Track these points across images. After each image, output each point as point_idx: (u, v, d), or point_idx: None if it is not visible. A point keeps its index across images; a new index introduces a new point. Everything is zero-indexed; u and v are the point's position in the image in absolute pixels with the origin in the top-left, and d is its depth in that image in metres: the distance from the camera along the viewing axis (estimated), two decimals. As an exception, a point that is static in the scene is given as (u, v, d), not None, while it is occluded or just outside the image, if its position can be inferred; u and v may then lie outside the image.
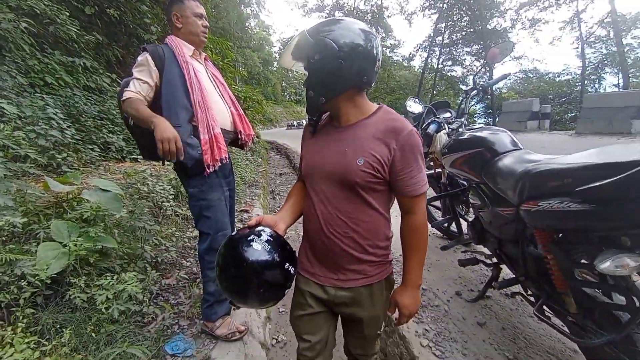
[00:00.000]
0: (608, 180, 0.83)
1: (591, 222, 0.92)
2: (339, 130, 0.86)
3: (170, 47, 1.48)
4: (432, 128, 1.91)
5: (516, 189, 1.17)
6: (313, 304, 0.92)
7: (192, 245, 2.10)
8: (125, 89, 1.41)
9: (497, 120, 10.13)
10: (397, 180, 0.81)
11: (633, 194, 0.80)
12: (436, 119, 1.95)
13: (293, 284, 0.88)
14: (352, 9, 26.02)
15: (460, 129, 1.87)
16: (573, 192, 0.92)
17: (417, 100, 2.34)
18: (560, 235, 1.10)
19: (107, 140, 3.75)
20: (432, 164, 2.19)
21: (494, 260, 1.61)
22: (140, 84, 1.40)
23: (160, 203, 2.33)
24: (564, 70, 23.05)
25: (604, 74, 21.68)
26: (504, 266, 1.57)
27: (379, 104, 0.89)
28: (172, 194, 2.49)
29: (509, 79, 25.60)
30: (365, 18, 26.07)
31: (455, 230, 2.07)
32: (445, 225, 2.22)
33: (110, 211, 1.64)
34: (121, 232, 1.76)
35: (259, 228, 0.81)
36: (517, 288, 1.47)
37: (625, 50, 17.64)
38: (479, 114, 26.66)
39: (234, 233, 0.84)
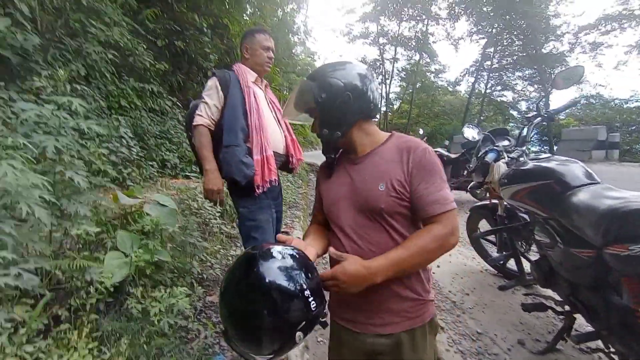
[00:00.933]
0: None
1: None
2: (357, 162, 0.86)
3: (235, 73, 1.61)
4: (490, 157, 1.79)
5: (599, 229, 1.04)
6: (348, 355, 0.85)
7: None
8: (197, 113, 1.55)
9: (555, 149, 9.34)
10: (415, 199, 0.77)
11: None
12: (495, 147, 1.84)
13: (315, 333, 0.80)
14: (397, 36, 26.41)
15: (522, 159, 1.74)
16: None
17: (474, 126, 2.24)
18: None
19: (165, 157, 4.07)
20: (487, 194, 2.05)
21: (567, 307, 1.41)
22: (209, 108, 1.54)
23: (207, 220, 2.43)
24: (632, 96, 20.94)
25: (683, 100, 19.30)
26: (578, 315, 1.37)
27: (391, 131, 0.88)
28: (219, 212, 2.59)
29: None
30: (409, 44, 26.28)
31: (515, 268, 1.87)
32: (502, 262, 2.02)
33: (166, 225, 1.74)
34: (173, 246, 1.84)
35: (283, 246, 0.71)
36: (597, 343, 1.26)
37: None
38: (532, 141, 24.88)
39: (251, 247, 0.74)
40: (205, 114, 1.55)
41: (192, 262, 1.85)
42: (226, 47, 7.97)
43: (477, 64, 23.54)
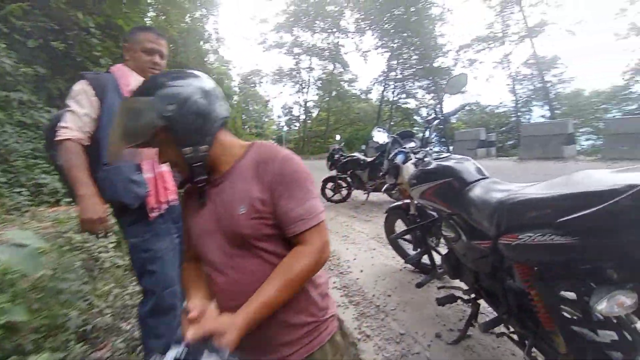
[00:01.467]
0: (592, 210, 0.78)
1: (576, 255, 0.87)
2: (217, 183, 0.75)
3: (114, 76, 1.33)
4: (399, 159, 1.87)
5: (492, 221, 1.12)
6: None
7: (134, 303, 1.78)
8: (61, 125, 1.22)
9: (451, 148, 10.84)
10: (278, 217, 0.69)
11: (618, 223, 0.76)
12: (402, 149, 1.93)
13: None
14: (311, 46, 27.42)
15: (427, 159, 1.86)
16: (554, 223, 0.87)
17: (382, 130, 2.34)
18: (542, 268, 1.04)
19: (40, 181, 3.30)
20: (400, 195, 2.15)
21: (472, 295, 1.52)
22: (78, 118, 1.23)
23: (97, 254, 1.99)
24: (500, 103, 25.85)
25: (532, 106, 24.63)
26: (482, 301, 1.48)
27: (253, 141, 0.80)
28: (113, 242, 2.16)
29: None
30: (323, 55, 27.56)
31: (429, 263, 1.99)
32: (417, 259, 2.14)
33: (26, 271, 1.33)
34: (39, 296, 1.43)
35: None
36: (501, 327, 1.38)
37: (548, 86, 20.34)
38: (433, 142, 28.52)
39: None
40: (74, 125, 1.22)
41: (69, 312, 1.46)
42: (121, 50, 7.05)
43: (384, 75, 26.01)
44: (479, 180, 1.38)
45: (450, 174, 1.46)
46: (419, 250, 2.01)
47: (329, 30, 26.61)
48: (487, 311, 1.69)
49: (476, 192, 1.30)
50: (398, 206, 2.22)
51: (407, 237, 2.30)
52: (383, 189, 2.46)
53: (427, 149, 1.94)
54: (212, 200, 0.75)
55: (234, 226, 0.70)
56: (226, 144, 0.76)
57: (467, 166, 1.47)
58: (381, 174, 4.75)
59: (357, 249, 3.01)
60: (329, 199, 5.95)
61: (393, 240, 2.36)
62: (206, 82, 0.73)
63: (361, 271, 2.45)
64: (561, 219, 0.84)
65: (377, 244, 3.12)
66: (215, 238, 0.74)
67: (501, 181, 1.30)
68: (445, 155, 1.69)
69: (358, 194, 6.05)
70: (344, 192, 5.84)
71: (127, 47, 1.41)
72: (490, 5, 20.78)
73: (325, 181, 5.98)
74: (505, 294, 1.24)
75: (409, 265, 2.40)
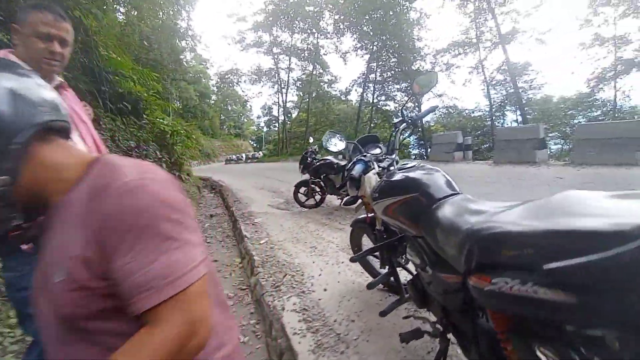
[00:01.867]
0: (592, 259, 0.55)
1: (567, 315, 0.64)
2: (45, 223, 0.52)
3: None
4: (357, 169, 1.64)
5: (462, 253, 0.89)
6: None
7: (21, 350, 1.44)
8: None
9: (429, 151, 10.89)
10: (118, 285, 0.45)
11: (627, 279, 0.54)
12: (362, 157, 1.70)
13: None
14: (290, 46, 27.12)
15: (392, 167, 1.64)
16: (539, 269, 0.65)
17: (337, 135, 2.12)
18: (521, 321, 0.81)
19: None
20: (364, 207, 1.92)
21: (440, 329, 1.31)
22: None
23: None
24: (475, 107, 26.62)
25: (506, 111, 25.53)
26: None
27: (98, 156, 0.56)
28: None
29: (435, 113, 28.63)
30: (303, 55, 27.32)
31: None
32: (384, 281, 1.91)
33: None
34: None
35: None
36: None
37: (520, 91, 21.08)
38: (413, 144, 28.99)
39: None
40: None
41: None
42: (81, 45, 6.50)
43: (364, 76, 26.12)
44: (449, 196, 1.17)
45: (416, 187, 1.24)
46: (385, 271, 1.79)
47: (308, 31, 26.42)
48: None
49: (445, 211, 1.07)
50: (362, 220, 1.99)
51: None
52: (342, 203, 2.19)
53: (394, 156, 1.73)
54: (39, 254, 0.51)
55: (53, 302, 0.46)
56: (51, 164, 0.50)
57: (436, 179, 1.26)
58: (338, 185, 4.55)
59: (324, 262, 2.76)
60: (302, 204, 5.70)
61: (357, 259, 2.13)
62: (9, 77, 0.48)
63: (325, 290, 2.20)
64: (549, 265, 0.61)
65: (345, 256, 2.89)
66: (42, 311, 0.49)
67: (474, 199, 1.09)
68: (411, 165, 1.47)
69: (333, 199, 5.84)
70: (318, 197, 5.61)
71: (15, 29, 1.10)
72: (465, 12, 21.32)
73: (298, 185, 5.72)
74: (476, 337, 1.02)
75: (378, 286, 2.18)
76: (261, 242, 3.61)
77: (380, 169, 1.63)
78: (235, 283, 3.05)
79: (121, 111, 7.59)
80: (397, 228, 1.43)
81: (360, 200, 1.90)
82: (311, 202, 5.67)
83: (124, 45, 9.49)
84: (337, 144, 1.98)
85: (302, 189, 5.73)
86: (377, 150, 1.86)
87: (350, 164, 1.72)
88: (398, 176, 1.38)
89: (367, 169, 1.63)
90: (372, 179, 1.57)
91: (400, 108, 1.91)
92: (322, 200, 5.58)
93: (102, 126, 6.05)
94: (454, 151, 9.72)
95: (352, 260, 1.80)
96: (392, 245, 1.63)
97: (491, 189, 5.10)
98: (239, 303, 2.65)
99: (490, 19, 20.21)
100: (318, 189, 5.55)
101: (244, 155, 33.81)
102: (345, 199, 2.13)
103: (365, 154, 1.76)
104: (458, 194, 1.18)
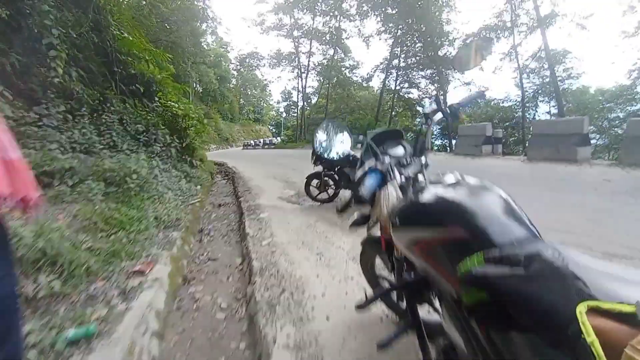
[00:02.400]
0: None
1: None
2: None
3: None
4: (368, 186, 1.18)
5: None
6: None
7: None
8: None
9: (455, 143, 10.15)
10: None
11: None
12: (378, 164, 1.21)
13: None
14: (311, 29, 26.25)
15: (421, 177, 1.19)
16: None
17: (339, 127, 1.66)
18: None
19: None
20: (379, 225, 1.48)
21: None
22: None
23: None
24: (505, 97, 25.01)
25: (539, 101, 23.84)
26: None
27: None
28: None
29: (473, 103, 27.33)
30: (324, 39, 26.41)
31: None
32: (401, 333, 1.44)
33: None
34: None
35: None
36: None
37: (557, 81, 19.48)
38: (435, 135, 27.78)
39: None
40: None
41: None
42: (92, 24, 6.24)
43: (387, 62, 24.97)
44: (525, 241, 0.70)
45: (463, 219, 0.77)
46: (404, 320, 1.36)
47: (330, 13, 25.36)
48: None
49: (530, 281, 0.61)
50: (376, 241, 1.55)
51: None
52: (349, 224, 1.68)
53: (423, 159, 1.27)
54: None
55: None
56: None
57: (497, 206, 0.78)
58: (353, 180, 4.07)
59: (330, 277, 2.36)
60: (313, 198, 5.30)
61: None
62: None
63: (327, 319, 1.80)
64: None
65: (355, 269, 2.48)
66: None
67: (578, 253, 0.62)
68: (452, 177, 0.99)
69: (347, 193, 5.40)
70: (331, 191, 5.19)
71: None
72: (501, -8, 19.64)
73: (310, 178, 5.31)
74: None
75: (394, 316, 1.75)
76: (263, 243, 3.25)
77: (404, 178, 1.18)
78: (231, 290, 2.72)
79: (133, 93, 7.36)
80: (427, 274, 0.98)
81: (371, 216, 1.43)
82: (324, 196, 5.25)
83: (142, 27, 9.23)
84: (336, 145, 1.54)
85: (314, 182, 5.32)
86: (400, 151, 1.38)
87: (359, 173, 1.26)
88: (431, 195, 0.92)
89: (383, 181, 1.17)
90: (391, 193, 1.12)
91: (430, 97, 1.37)
92: (335, 194, 5.16)
93: (111, 109, 5.84)
94: (482, 144, 8.96)
95: (357, 308, 1.31)
96: (417, 286, 1.19)
97: (527, 191, 4.48)
98: (231, 318, 2.31)
99: (527, 0, 18.54)
100: (331, 182, 5.11)
101: (261, 140, 33.66)
102: (352, 219, 1.63)
103: (384, 154, 1.29)
104: (538, 237, 0.72)
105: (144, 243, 3.02)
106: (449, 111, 1.26)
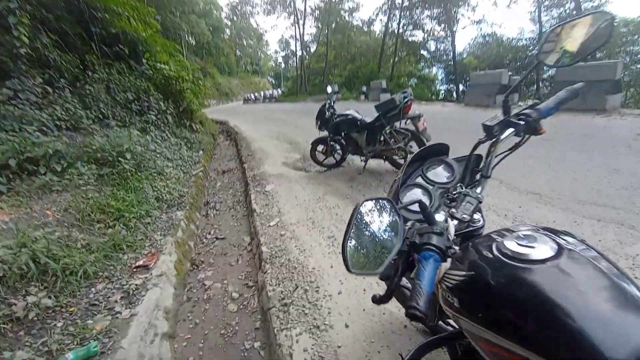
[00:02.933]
0: None
1: None
2: None
3: None
4: (427, 287, 0.53)
5: None
6: None
7: None
8: None
9: (465, 92, 9.41)
10: None
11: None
12: (411, 213, 0.80)
13: None
14: (306, -33, 23.58)
15: (480, 223, 0.81)
16: None
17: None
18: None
19: None
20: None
21: None
22: None
23: None
24: (518, 35, 22.96)
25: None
26: None
27: None
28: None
29: (470, 43, 25.32)
30: (321, -23, 23.89)
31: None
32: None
33: None
34: None
35: None
36: None
37: (583, 12, 17.61)
38: (440, 80, 26.24)
39: None
40: None
41: None
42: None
43: (389, 2, 22.71)
44: None
45: (565, 337, 0.49)
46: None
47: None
48: None
49: None
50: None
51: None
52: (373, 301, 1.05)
53: (478, 190, 0.84)
54: None
55: None
56: None
57: (608, 298, 0.50)
58: (361, 145, 3.72)
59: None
60: (320, 163, 5.04)
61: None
62: None
63: (347, 326, 1.66)
64: None
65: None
66: None
67: None
68: (529, 229, 0.66)
69: (355, 158, 5.12)
70: (337, 156, 4.89)
71: None
72: None
73: (316, 143, 4.98)
74: None
75: (419, 325, 1.59)
76: (271, 223, 3.08)
77: (457, 222, 0.74)
78: (241, 276, 2.61)
79: (118, 56, 6.71)
80: None
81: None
82: (330, 161, 4.98)
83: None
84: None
85: (320, 147, 5.01)
86: (445, 174, 0.98)
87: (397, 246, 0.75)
88: (509, 277, 0.59)
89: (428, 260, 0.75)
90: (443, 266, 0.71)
91: (503, 99, 0.95)
92: (342, 159, 4.88)
93: (94, 77, 5.33)
94: (496, 94, 8.30)
95: (375, 302, 0.99)
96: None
97: (546, 152, 4.12)
98: (242, 309, 2.22)
99: None
100: (338, 147, 4.80)
101: (262, 94, 32.27)
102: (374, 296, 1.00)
103: (428, 185, 0.96)
104: None
105: (145, 230, 2.86)
106: (524, 123, 0.87)
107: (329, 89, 4.92)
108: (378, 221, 0.67)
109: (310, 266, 2.24)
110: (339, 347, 1.51)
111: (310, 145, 5.08)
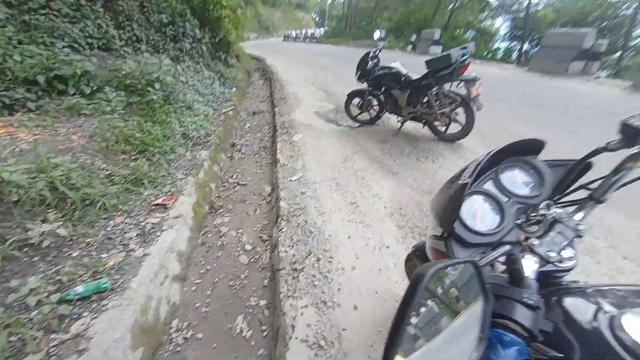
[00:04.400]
0: None
1: None
2: None
3: None
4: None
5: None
6: None
7: None
8: None
9: (531, 53, 8.10)
10: None
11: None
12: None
13: None
14: None
15: (569, 253, 0.55)
16: None
17: None
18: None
19: None
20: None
21: None
22: None
23: None
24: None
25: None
26: None
27: None
28: None
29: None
30: None
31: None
32: None
33: None
34: None
35: None
36: None
37: None
38: (502, 35, 23.00)
39: None
40: None
41: None
42: None
43: None
44: None
45: None
46: None
47: None
48: None
49: None
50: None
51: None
52: None
53: (579, 216, 0.59)
54: None
55: None
56: None
57: None
58: (401, 104, 3.27)
59: (363, 241, 2.05)
60: (353, 118, 4.70)
61: None
62: None
63: (355, 308, 1.56)
64: None
65: (394, 231, 2.13)
66: None
67: None
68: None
69: (391, 118, 4.71)
70: (373, 112, 4.51)
71: None
72: None
73: (352, 95, 4.59)
74: None
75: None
76: (293, 178, 2.94)
77: (539, 261, 0.53)
78: (257, 227, 2.57)
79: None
80: None
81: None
82: (365, 116, 4.62)
83: None
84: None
85: (356, 100, 4.61)
86: (526, 185, 0.70)
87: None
88: None
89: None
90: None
91: None
92: (377, 116, 4.50)
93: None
94: (572, 60, 7.06)
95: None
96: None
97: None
98: (253, 263, 2.20)
99: None
100: (375, 103, 4.39)
101: (303, 32, 30.30)
102: None
103: (503, 196, 0.69)
104: None
105: (168, 167, 2.83)
106: None
107: (376, 34, 4.33)
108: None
109: (327, 232, 2.12)
110: (344, 330, 1.42)
111: (346, 96, 4.69)
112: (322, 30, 32.63)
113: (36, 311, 1.32)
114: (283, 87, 7.31)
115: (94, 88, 3.09)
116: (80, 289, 1.47)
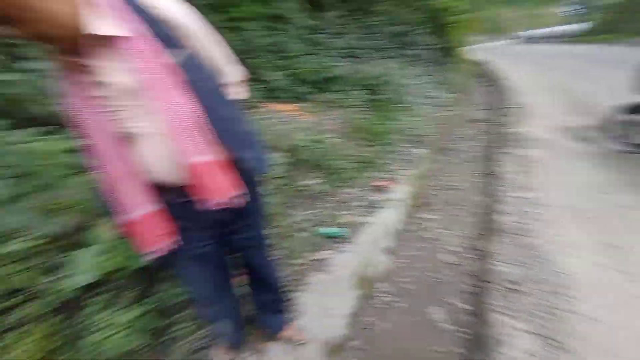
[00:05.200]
0: None
1: None
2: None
3: None
4: None
5: None
6: None
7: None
8: None
9: None
10: None
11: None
12: None
13: None
14: None
15: None
16: None
17: None
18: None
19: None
20: None
21: None
22: None
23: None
24: None
25: None
26: None
27: None
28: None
29: None
30: None
31: None
32: None
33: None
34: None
35: None
36: None
37: None
38: None
39: None
40: None
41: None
42: None
43: None
44: None
45: None
46: None
47: None
48: None
49: None
50: None
51: None
52: None
53: None
54: None
55: None
56: None
57: None
58: None
59: (626, 295, 1.54)
60: (622, 140, 3.46)
61: None
62: None
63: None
64: None
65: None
66: None
67: None
68: None
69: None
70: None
71: None
72: None
73: (630, 110, 3.40)
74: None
75: None
76: (519, 194, 2.58)
77: None
78: (464, 232, 2.46)
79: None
80: None
81: None
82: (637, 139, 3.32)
83: None
84: None
85: (636, 117, 3.39)
86: None
87: None
88: None
89: None
90: None
91: None
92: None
93: (370, 10, 5.68)
94: None
95: None
96: None
97: None
98: (455, 265, 2.13)
99: None
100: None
101: (546, 30, 24.96)
102: None
103: None
104: None
105: (389, 158, 3.18)
106: None
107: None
108: None
109: (563, 267, 1.74)
110: None
111: (613, 111, 3.55)
112: (578, 26, 25.70)
113: (301, 234, 1.88)
114: (512, 95, 6.44)
115: (346, 88, 3.88)
116: (329, 229, 1.95)
